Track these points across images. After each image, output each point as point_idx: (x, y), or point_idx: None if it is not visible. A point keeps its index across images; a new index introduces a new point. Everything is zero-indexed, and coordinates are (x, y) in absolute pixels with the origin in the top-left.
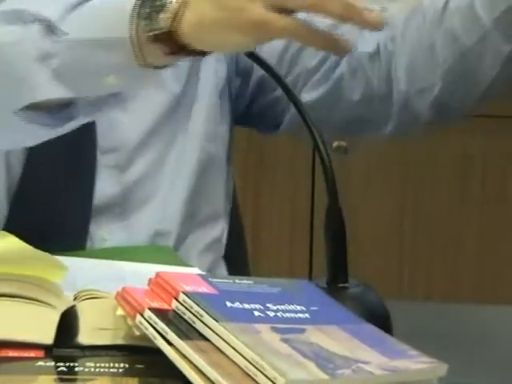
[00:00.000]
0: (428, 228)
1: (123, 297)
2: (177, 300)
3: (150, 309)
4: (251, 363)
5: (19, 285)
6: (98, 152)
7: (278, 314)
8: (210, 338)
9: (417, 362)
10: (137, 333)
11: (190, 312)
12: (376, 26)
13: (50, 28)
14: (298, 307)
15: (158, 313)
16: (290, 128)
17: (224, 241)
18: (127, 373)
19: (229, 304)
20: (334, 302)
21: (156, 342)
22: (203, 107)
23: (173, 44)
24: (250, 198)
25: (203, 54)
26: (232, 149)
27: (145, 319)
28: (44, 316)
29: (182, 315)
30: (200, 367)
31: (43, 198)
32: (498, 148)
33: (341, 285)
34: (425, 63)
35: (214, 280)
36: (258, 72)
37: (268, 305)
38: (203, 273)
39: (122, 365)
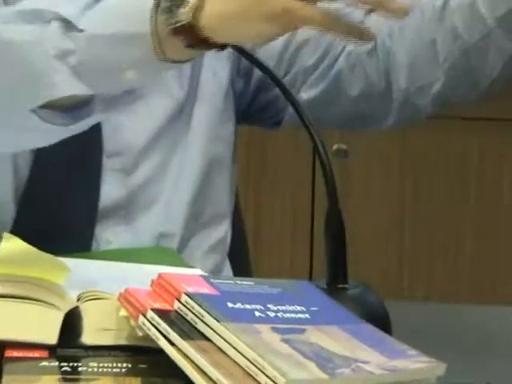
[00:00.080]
0: (427, 229)
1: (126, 298)
2: (179, 301)
3: (153, 310)
4: (252, 363)
5: (23, 286)
6: (104, 156)
7: (279, 314)
8: (211, 338)
9: (416, 362)
10: (139, 333)
11: (192, 313)
12: (400, 14)
13: (68, 26)
14: (299, 308)
15: (161, 313)
16: (290, 124)
17: (228, 241)
18: (130, 373)
19: (230, 305)
20: (334, 302)
21: (158, 342)
22: (206, 110)
23: (193, 37)
24: (251, 197)
25: (223, 46)
26: (236, 149)
27: (147, 320)
28: (48, 317)
29: (184, 316)
30: (202, 367)
31: (50, 200)
32: (495, 148)
33: (341, 285)
34: (425, 60)
35: (216, 281)
36: (258, 71)
37: (269, 305)
38: (205, 274)
39: (124, 365)
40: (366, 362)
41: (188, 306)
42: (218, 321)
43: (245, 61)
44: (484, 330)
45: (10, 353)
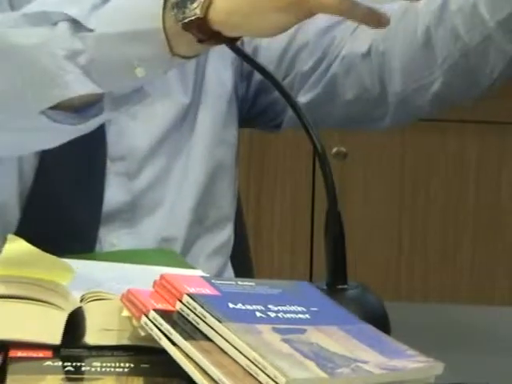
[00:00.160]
0: (425, 231)
1: (128, 298)
2: (181, 302)
3: (155, 310)
4: (253, 363)
5: (28, 287)
6: (108, 160)
7: (279, 314)
8: (213, 338)
9: (414, 362)
10: (142, 333)
11: (194, 313)
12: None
13: (77, 26)
14: (299, 308)
15: (163, 314)
16: (290, 126)
17: (231, 245)
18: (133, 372)
19: (231, 305)
20: (334, 303)
21: (161, 342)
22: (210, 114)
23: (204, 32)
24: (252, 199)
25: (233, 40)
26: (238, 153)
27: (150, 320)
28: (52, 317)
29: (186, 316)
30: (204, 367)
31: (54, 203)
32: (494, 151)
33: (340, 286)
34: (422, 62)
35: (217, 282)
36: (258, 74)
37: (269, 306)
38: (206, 275)
39: (127, 364)
40: (365, 362)
41: (190, 307)
42: (219, 321)
43: (245, 64)
44: (483, 330)
45: (14, 353)
